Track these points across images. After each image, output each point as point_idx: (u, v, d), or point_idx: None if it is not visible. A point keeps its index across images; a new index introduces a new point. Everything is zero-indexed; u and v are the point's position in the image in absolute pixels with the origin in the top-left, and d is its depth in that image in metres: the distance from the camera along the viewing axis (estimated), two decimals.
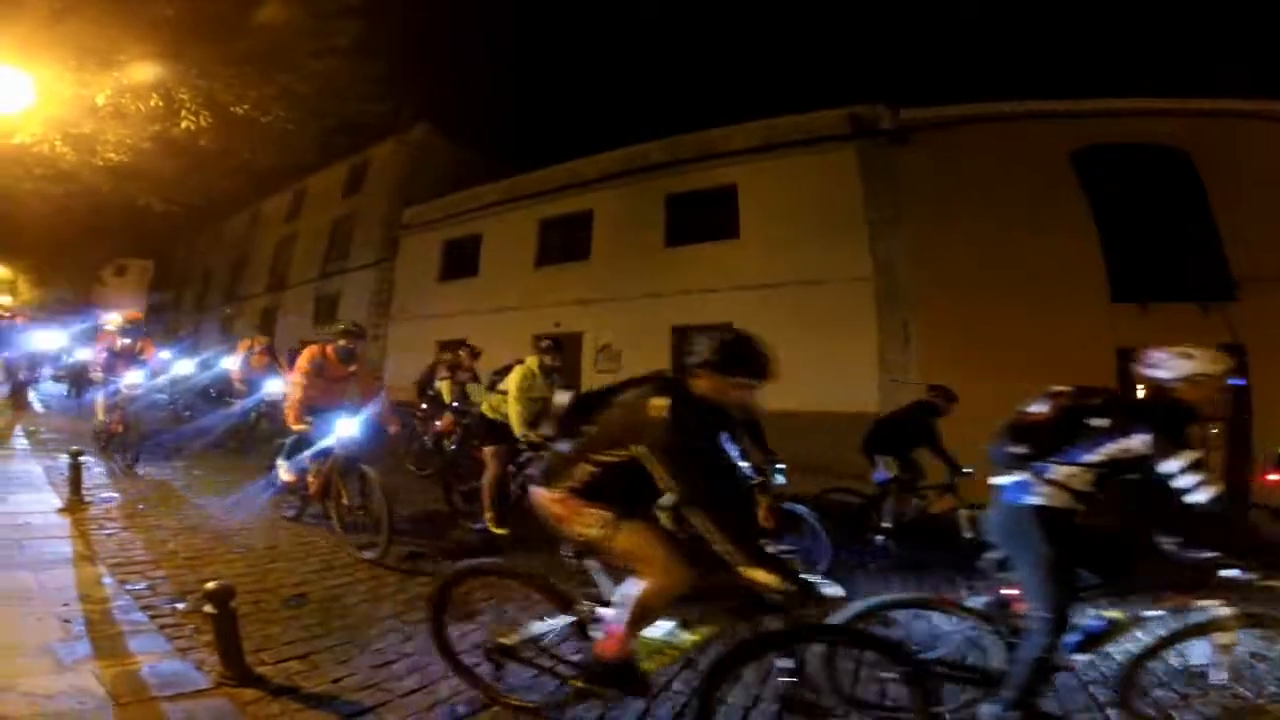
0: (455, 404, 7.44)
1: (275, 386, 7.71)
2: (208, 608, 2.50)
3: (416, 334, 15.48)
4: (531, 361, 5.14)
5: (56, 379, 13.89)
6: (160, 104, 7.88)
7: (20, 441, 7.20)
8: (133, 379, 6.72)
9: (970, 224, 9.29)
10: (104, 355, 6.98)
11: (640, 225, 12.76)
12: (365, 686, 2.62)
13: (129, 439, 6.54)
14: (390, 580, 4.00)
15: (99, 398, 6.96)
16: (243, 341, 8.32)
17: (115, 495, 5.29)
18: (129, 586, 3.32)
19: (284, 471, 5.00)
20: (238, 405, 8.48)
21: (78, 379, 11.74)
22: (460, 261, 16.17)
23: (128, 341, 7.01)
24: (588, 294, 13.14)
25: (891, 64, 22.74)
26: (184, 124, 8.15)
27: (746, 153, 11.71)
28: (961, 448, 5.37)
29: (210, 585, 2.53)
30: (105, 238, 16.77)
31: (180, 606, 3.14)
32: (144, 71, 7.39)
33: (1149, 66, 13.16)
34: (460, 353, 7.82)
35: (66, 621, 2.79)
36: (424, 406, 8.39)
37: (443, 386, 7.83)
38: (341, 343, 4.83)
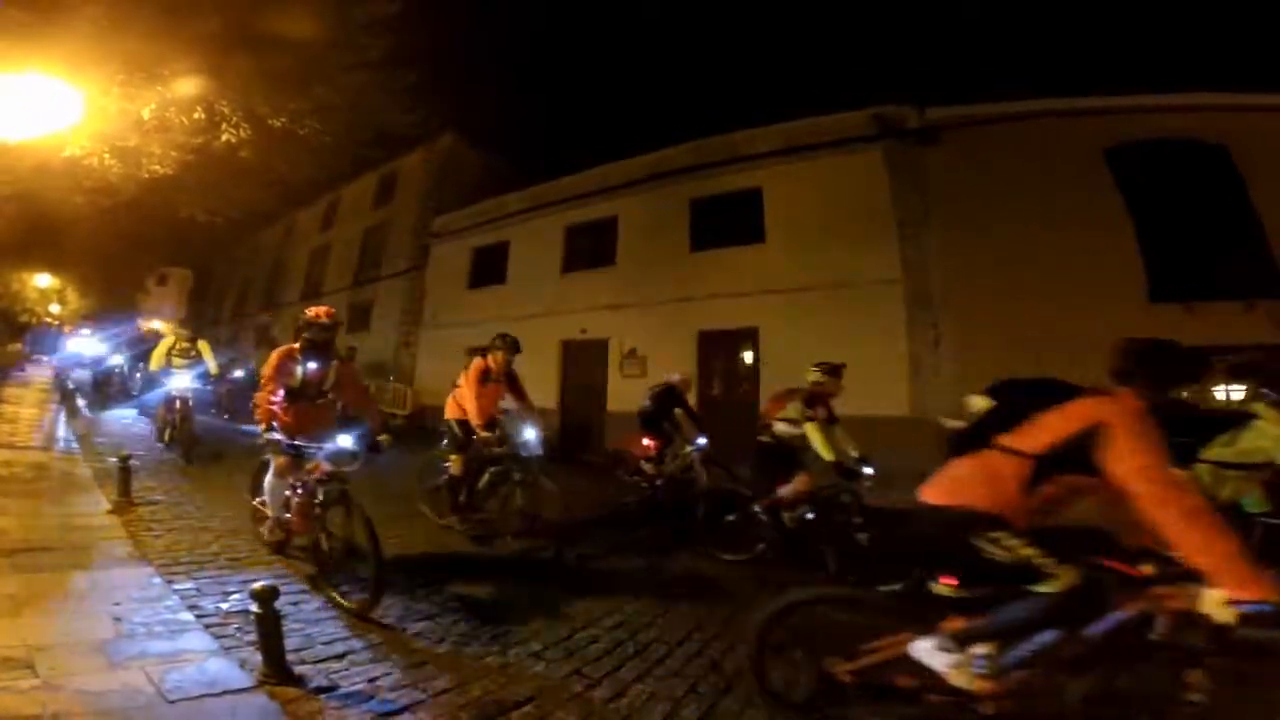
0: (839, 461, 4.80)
1: (532, 434, 5.33)
2: (253, 607, 2.58)
3: (447, 341, 15.67)
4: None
5: (143, 414, 10.19)
6: (202, 118, 8.08)
7: (71, 445, 7.42)
8: (345, 444, 3.74)
9: (1002, 224, 9.12)
10: (279, 400, 4.01)
11: (665, 230, 12.78)
12: (400, 686, 2.68)
13: (339, 554, 3.64)
14: (421, 580, 4.08)
15: (268, 478, 4.11)
16: (475, 361, 5.29)
17: (161, 497, 5.46)
18: (176, 586, 3.44)
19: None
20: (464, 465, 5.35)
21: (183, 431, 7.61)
22: (489, 269, 16.35)
23: (314, 367, 4.02)
24: (614, 300, 13.18)
25: (917, 63, 22.48)
26: (224, 137, 8.35)
27: (770, 156, 11.64)
28: None
29: (256, 586, 2.61)
30: (148, 247, 17.25)
31: (224, 607, 3.25)
32: (187, 86, 7.51)
33: (1183, 61, 12.81)
34: (822, 375, 5.01)
35: (117, 620, 2.90)
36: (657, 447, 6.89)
37: (810, 430, 4.82)
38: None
